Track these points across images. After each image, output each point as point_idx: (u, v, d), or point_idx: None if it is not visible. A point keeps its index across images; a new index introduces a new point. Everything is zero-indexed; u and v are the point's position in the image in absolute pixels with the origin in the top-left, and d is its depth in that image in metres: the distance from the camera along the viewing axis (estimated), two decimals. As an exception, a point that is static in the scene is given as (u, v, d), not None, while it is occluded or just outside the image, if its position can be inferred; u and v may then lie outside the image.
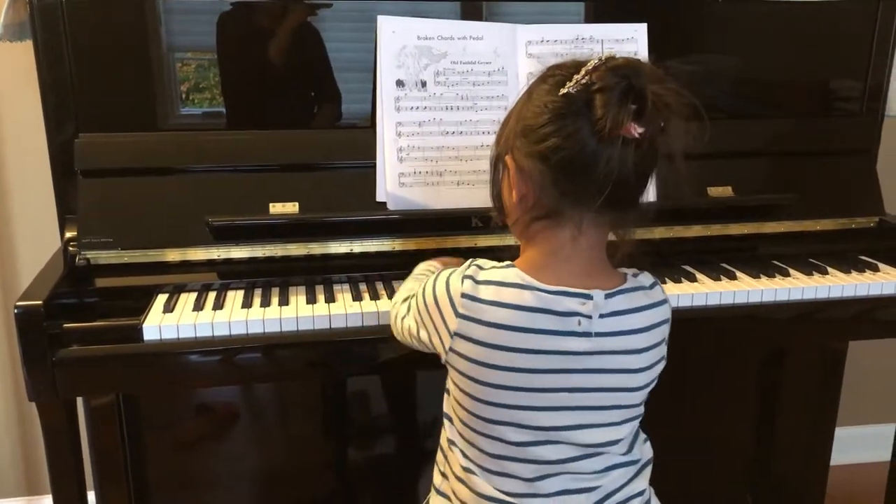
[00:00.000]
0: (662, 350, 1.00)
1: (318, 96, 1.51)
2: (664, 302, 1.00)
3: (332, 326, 1.25)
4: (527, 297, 0.93)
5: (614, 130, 0.85)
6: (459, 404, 1.00)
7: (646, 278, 1.01)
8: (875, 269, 1.49)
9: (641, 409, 1.02)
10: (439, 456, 1.11)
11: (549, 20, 1.51)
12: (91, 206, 1.35)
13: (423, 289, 1.01)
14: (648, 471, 1.06)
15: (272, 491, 1.75)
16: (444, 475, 1.09)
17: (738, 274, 1.43)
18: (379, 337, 1.25)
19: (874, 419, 2.24)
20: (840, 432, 1.95)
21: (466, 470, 1.02)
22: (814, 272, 1.45)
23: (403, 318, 1.08)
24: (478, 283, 0.95)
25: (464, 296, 0.95)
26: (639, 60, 0.91)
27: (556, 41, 1.47)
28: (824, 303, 1.41)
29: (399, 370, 1.62)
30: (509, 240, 1.42)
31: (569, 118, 0.88)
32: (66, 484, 1.25)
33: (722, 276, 1.42)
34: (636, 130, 0.85)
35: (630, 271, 1.01)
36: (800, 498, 1.98)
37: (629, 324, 0.96)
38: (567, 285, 0.94)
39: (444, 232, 1.43)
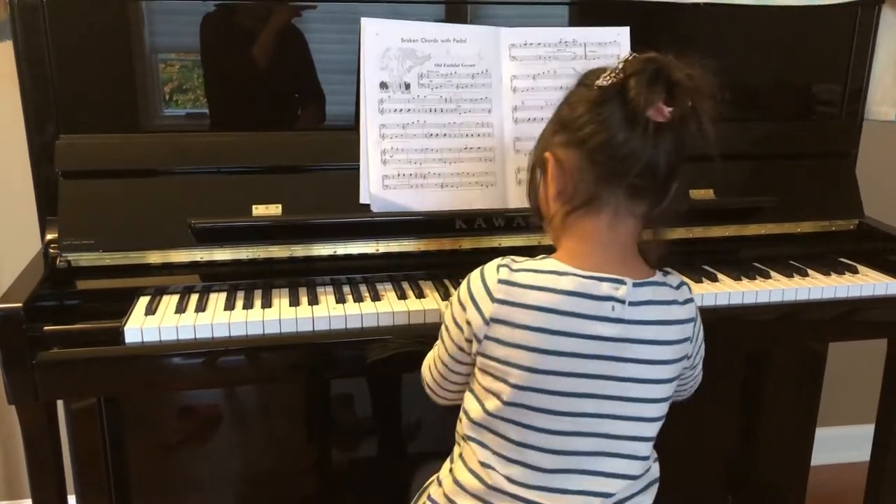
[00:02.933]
0: (687, 348, 1.03)
1: (301, 98, 1.51)
2: (689, 301, 1.03)
3: (315, 329, 1.25)
4: (564, 282, 0.96)
5: (646, 109, 0.91)
6: (487, 391, 1.00)
7: (674, 278, 1.04)
8: (854, 271, 1.50)
9: (665, 410, 1.03)
10: (455, 449, 1.11)
11: (534, 23, 1.51)
12: (72, 208, 1.34)
13: (456, 293, 1.03)
14: (655, 489, 1.08)
15: (255, 493, 1.74)
16: (451, 470, 1.09)
17: (720, 276, 1.44)
18: (362, 339, 1.26)
19: (854, 420, 2.26)
20: (820, 433, 1.97)
21: (484, 465, 1.02)
22: (794, 274, 1.47)
23: (432, 357, 1.11)
24: (514, 270, 0.98)
25: (500, 281, 0.98)
26: (667, 56, 0.96)
27: (539, 44, 1.48)
28: (805, 304, 1.42)
29: (383, 373, 1.62)
30: (493, 242, 1.44)
31: (604, 105, 0.94)
32: (47, 488, 1.24)
33: (703, 278, 1.43)
34: (666, 111, 0.91)
35: (660, 271, 1.04)
36: (781, 498, 2.00)
37: (655, 314, 0.99)
38: (601, 271, 0.97)
39: (428, 234, 1.43)
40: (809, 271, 1.48)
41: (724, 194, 1.53)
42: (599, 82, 0.95)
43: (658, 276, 1.02)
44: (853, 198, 1.63)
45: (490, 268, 1.00)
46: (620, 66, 0.94)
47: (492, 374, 1.00)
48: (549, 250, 1.06)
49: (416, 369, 1.59)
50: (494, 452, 1.02)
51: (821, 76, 1.68)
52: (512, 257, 1.01)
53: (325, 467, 1.78)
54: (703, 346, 1.11)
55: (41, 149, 1.38)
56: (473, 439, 1.04)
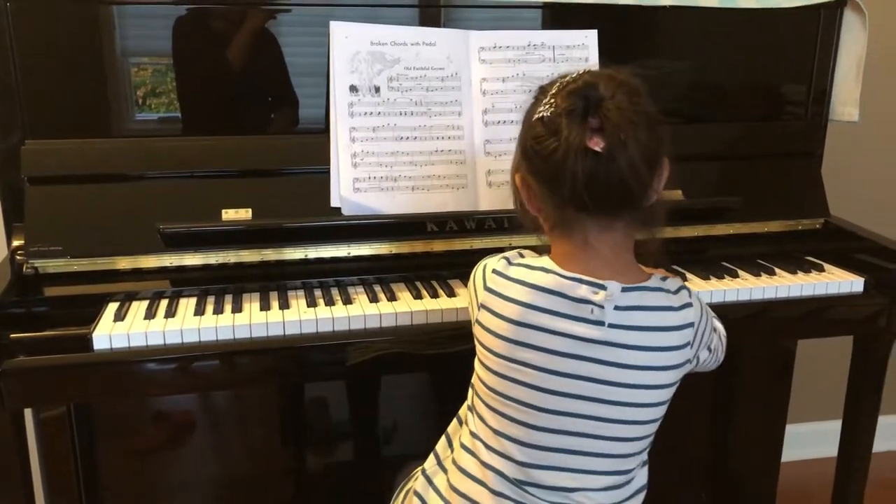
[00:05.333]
0: (687, 353, 1.02)
1: (273, 102, 1.50)
2: (687, 306, 1.03)
3: (287, 333, 1.25)
4: (547, 280, 0.99)
5: (580, 145, 0.92)
6: (478, 375, 1.05)
7: (672, 283, 1.04)
8: (821, 269, 1.52)
9: (656, 415, 1.03)
10: (452, 426, 1.15)
11: (503, 26, 1.52)
12: (39, 214, 1.33)
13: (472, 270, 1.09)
14: (642, 497, 1.09)
15: (230, 499, 1.73)
16: (450, 445, 1.13)
17: (689, 275, 1.46)
18: (334, 343, 1.26)
19: (822, 416, 2.29)
20: (790, 429, 2.00)
21: (473, 436, 1.06)
22: (762, 273, 1.49)
23: None
24: (511, 264, 1.03)
25: (494, 271, 1.03)
26: (597, 76, 0.97)
27: (508, 47, 1.49)
28: (773, 303, 1.44)
29: (356, 376, 1.62)
30: (465, 245, 1.45)
31: (546, 138, 0.95)
32: (14, 498, 1.23)
33: (673, 278, 1.44)
34: (598, 145, 0.92)
35: (660, 275, 1.04)
36: (753, 494, 2.02)
37: (644, 320, 0.99)
38: (587, 275, 0.98)
39: (399, 237, 1.43)
40: (777, 270, 1.50)
41: (692, 195, 1.55)
42: (538, 116, 0.96)
43: (653, 281, 1.02)
44: (819, 197, 1.66)
45: (496, 257, 1.06)
46: (553, 98, 0.96)
47: (479, 359, 1.04)
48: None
49: (389, 372, 1.60)
50: (480, 435, 1.05)
51: (786, 77, 1.71)
52: (520, 251, 1.07)
53: (300, 472, 1.77)
54: (713, 337, 1.10)
55: (6, 154, 1.36)
56: (471, 413, 1.08)
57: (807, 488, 2.20)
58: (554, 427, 1.00)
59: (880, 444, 1.75)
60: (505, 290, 1.01)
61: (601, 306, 0.96)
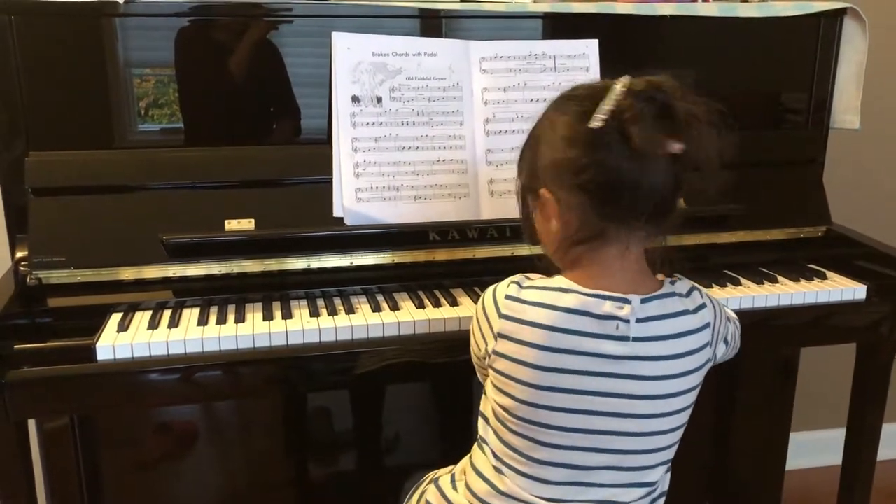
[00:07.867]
0: (707, 353, 1.02)
1: (275, 112, 1.51)
2: (702, 307, 1.02)
3: (289, 343, 1.25)
4: (567, 300, 0.96)
5: (655, 152, 0.89)
6: (498, 404, 1.01)
7: (683, 285, 1.03)
8: (823, 276, 1.52)
9: (681, 422, 1.02)
10: (474, 449, 1.12)
11: (507, 36, 1.52)
12: (42, 225, 1.33)
13: (478, 304, 1.05)
14: (662, 501, 1.09)
15: (233, 510, 1.73)
16: (464, 470, 1.10)
17: (691, 284, 1.46)
18: (337, 353, 1.26)
19: (826, 424, 2.28)
20: (794, 437, 1.99)
21: (497, 469, 1.03)
22: (764, 281, 1.49)
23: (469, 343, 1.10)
24: (523, 287, 0.99)
25: (507, 297, 0.99)
26: (656, 79, 0.93)
27: (509, 57, 1.49)
28: (775, 311, 1.44)
29: (358, 385, 1.62)
30: (467, 254, 1.45)
31: (602, 149, 0.91)
32: (18, 509, 1.23)
33: (675, 286, 1.44)
34: (677, 147, 0.89)
35: (668, 279, 1.03)
36: (757, 503, 2.02)
37: (662, 329, 0.98)
38: (608, 290, 0.96)
39: (402, 246, 1.43)
40: (779, 278, 1.50)
41: (694, 203, 1.54)
42: (592, 124, 0.90)
43: (666, 288, 1.00)
44: (821, 205, 1.66)
45: (503, 284, 1.02)
46: (612, 106, 0.90)
47: (500, 388, 1.00)
48: (526, 260, 1.07)
49: (392, 381, 1.60)
50: (505, 462, 1.02)
51: (787, 86, 1.71)
52: (526, 274, 1.02)
53: (303, 482, 1.77)
54: (728, 327, 1.09)
55: (10, 166, 1.36)
56: (487, 444, 1.05)
57: (811, 497, 2.19)
58: (581, 445, 0.98)
59: (885, 453, 1.75)
60: (524, 314, 0.97)
61: (626, 321, 0.95)
